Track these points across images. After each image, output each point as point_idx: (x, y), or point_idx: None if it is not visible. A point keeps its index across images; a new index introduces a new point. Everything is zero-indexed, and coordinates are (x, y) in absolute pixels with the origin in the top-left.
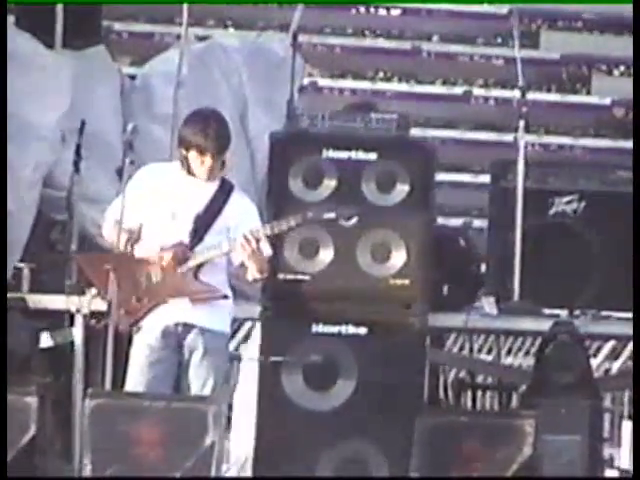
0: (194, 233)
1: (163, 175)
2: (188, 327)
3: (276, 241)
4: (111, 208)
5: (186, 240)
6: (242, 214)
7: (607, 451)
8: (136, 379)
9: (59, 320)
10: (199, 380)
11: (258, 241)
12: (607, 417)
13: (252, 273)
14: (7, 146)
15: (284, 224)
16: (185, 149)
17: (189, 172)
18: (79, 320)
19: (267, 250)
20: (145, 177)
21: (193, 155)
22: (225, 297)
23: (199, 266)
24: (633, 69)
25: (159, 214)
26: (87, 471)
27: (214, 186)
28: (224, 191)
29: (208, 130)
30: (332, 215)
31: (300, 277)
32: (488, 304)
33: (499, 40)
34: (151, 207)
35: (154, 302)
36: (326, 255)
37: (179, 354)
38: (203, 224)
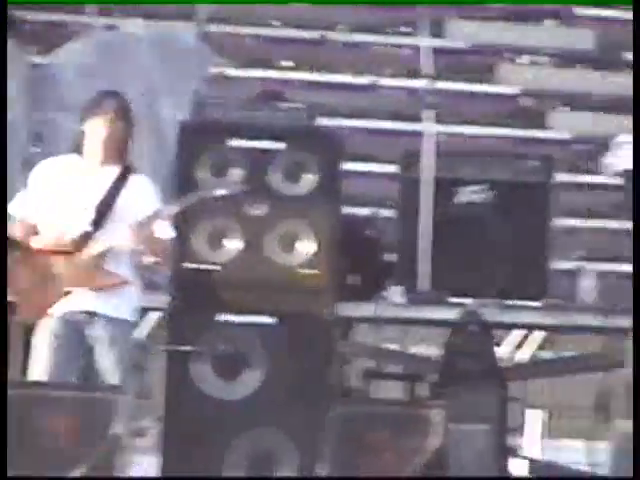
0: (95, 221)
1: (62, 166)
2: (92, 315)
3: (184, 231)
4: (14, 201)
5: (88, 228)
6: (140, 197)
7: (513, 440)
8: (40, 367)
9: None
10: (104, 368)
11: (154, 223)
12: (512, 406)
13: (147, 256)
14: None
15: (179, 205)
16: (81, 120)
17: (87, 154)
18: None
19: (166, 233)
20: (44, 169)
21: (89, 127)
22: (128, 284)
23: (102, 254)
24: (633, 69)
25: (60, 204)
26: None
27: (114, 173)
28: (123, 176)
29: (104, 99)
30: (224, 191)
31: (208, 267)
32: (396, 293)
33: (407, 29)
34: (51, 198)
35: (58, 292)
36: (234, 245)
37: (83, 342)
38: (103, 211)
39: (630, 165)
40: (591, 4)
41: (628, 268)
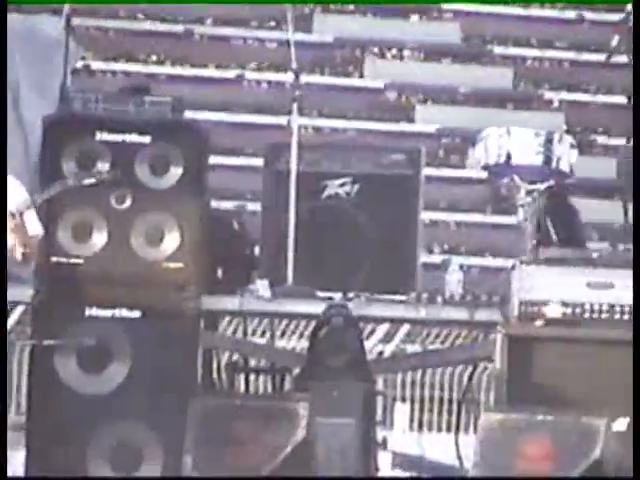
0: None
1: None
2: None
3: (49, 224)
4: None
5: None
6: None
7: (380, 433)
8: None
9: None
10: None
11: (22, 215)
12: (380, 400)
13: (18, 250)
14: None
15: (45, 194)
16: None
17: None
18: None
19: (35, 229)
20: None
21: None
22: None
23: None
24: (633, 69)
25: None
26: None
27: None
28: None
29: None
30: (92, 180)
31: (73, 260)
32: (262, 287)
33: (272, 23)
34: None
35: None
36: (100, 238)
37: None
38: None
39: (495, 159)
40: (590, 4)
41: (493, 262)
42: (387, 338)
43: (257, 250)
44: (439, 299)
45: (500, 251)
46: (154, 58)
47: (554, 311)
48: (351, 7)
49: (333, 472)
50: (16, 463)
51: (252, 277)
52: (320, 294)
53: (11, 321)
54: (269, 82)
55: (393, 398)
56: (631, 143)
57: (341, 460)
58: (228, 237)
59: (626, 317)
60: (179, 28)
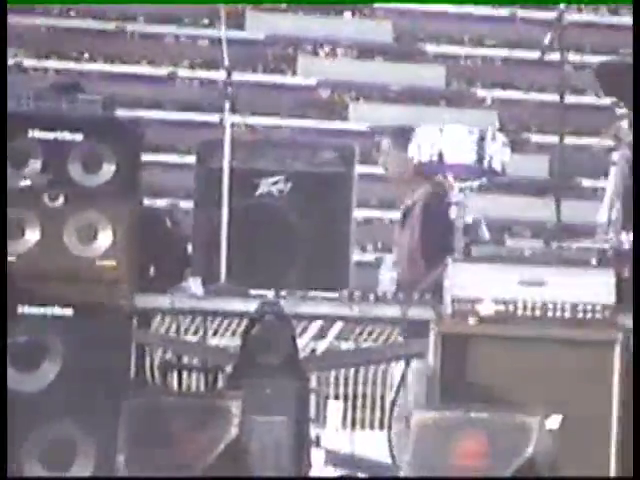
0: None
1: None
2: None
3: None
4: None
5: None
6: None
7: (313, 431)
8: None
9: None
10: None
11: None
12: (313, 397)
13: None
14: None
15: None
16: None
17: None
18: None
19: None
20: None
21: None
22: None
23: None
24: (633, 68)
25: None
26: None
27: None
28: None
29: None
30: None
31: (5, 257)
32: (194, 285)
33: (205, 21)
34: None
35: None
36: (32, 236)
37: None
38: None
39: (428, 157)
40: (590, 4)
41: None
42: (320, 336)
43: (190, 248)
44: (372, 297)
45: None
46: (86, 55)
47: (487, 309)
48: (283, 5)
49: (266, 470)
50: None
51: (185, 275)
52: (253, 292)
53: None
54: (201, 80)
55: (326, 396)
56: (564, 141)
57: (274, 458)
58: (161, 235)
59: (558, 314)
60: (111, 25)
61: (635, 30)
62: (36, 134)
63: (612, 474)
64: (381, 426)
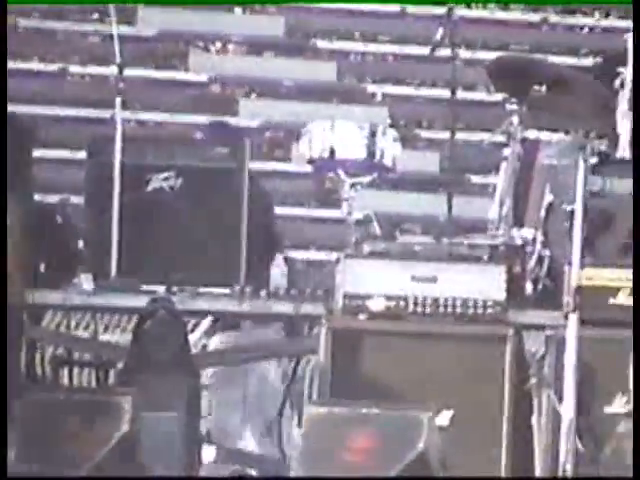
0: None
1: None
2: None
3: None
4: None
5: None
6: None
7: (204, 427)
8: None
9: None
10: None
11: None
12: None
13: None
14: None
15: None
16: None
17: None
18: None
19: None
20: None
21: None
22: None
23: None
24: (633, 68)
25: None
26: None
27: None
28: None
29: None
30: None
31: None
32: (85, 281)
33: (96, 16)
34: None
35: None
36: None
37: None
38: None
39: (319, 153)
40: (589, 3)
41: (317, 255)
42: (211, 332)
43: (81, 244)
44: (263, 293)
45: (325, 245)
46: None
47: (378, 305)
48: (176, 1)
49: (158, 466)
50: None
51: (76, 271)
52: (144, 288)
53: None
54: (93, 76)
55: (217, 391)
56: (455, 137)
57: (166, 454)
58: (52, 231)
59: (450, 310)
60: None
61: (635, 30)
62: None
63: (503, 470)
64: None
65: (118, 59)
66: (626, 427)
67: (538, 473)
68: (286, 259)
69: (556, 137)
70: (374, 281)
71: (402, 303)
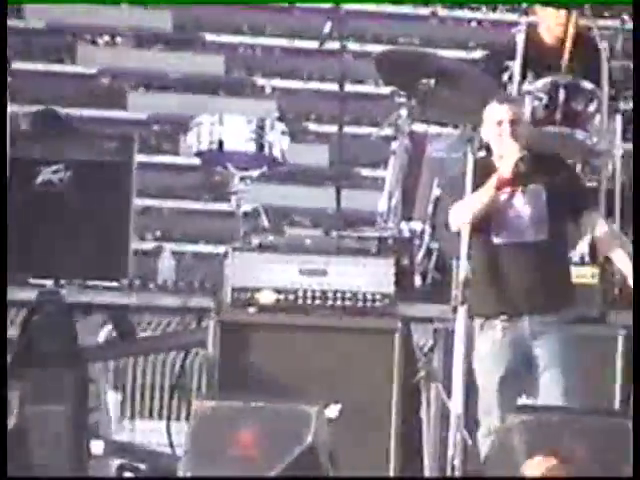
0: None
1: None
2: None
3: None
4: None
5: None
6: None
7: (92, 420)
8: None
9: None
10: None
11: None
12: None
13: None
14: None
15: None
16: None
17: None
18: None
19: None
20: None
21: None
22: None
23: None
24: (633, 68)
25: None
26: None
27: None
28: None
29: None
30: None
31: None
32: None
33: None
34: None
35: None
36: None
37: None
38: None
39: (208, 146)
40: (589, 4)
41: (206, 248)
42: (100, 325)
43: None
44: (152, 286)
45: (213, 238)
46: None
47: (267, 298)
48: None
49: (46, 460)
50: None
51: None
52: (32, 281)
53: None
54: None
55: (105, 385)
56: (344, 130)
57: (54, 448)
58: None
59: (339, 303)
60: None
61: (635, 30)
62: None
63: (392, 463)
64: (160, 416)
65: (7, 52)
66: (512, 422)
67: (427, 466)
68: (174, 252)
69: (445, 131)
70: (263, 274)
71: (291, 296)
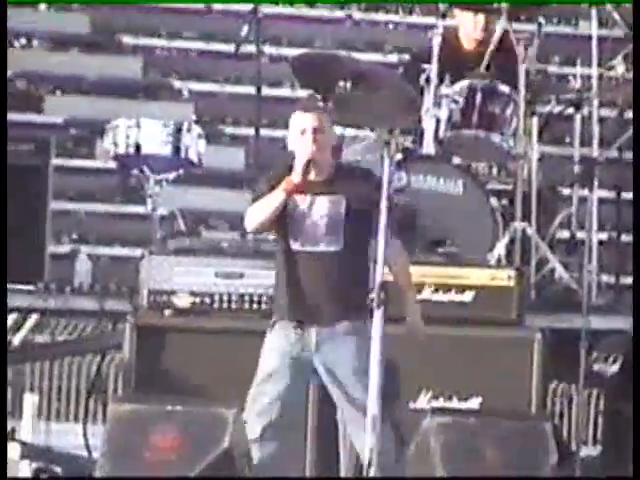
0: None
1: None
2: None
3: None
4: None
5: None
6: None
7: (9, 424)
8: None
9: None
10: None
11: None
12: (9, 390)
13: None
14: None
15: None
16: None
17: None
18: None
19: None
20: None
21: None
22: None
23: None
24: (633, 68)
25: None
26: None
27: None
28: None
29: None
30: None
31: None
32: None
33: None
34: None
35: None
36: None
37: None
38: None
39: (125, 150)
40: (588, 3)
41: (122, 251)
42: (15, 328)
43: None
44: (68, 289)
45: (130, 241)
46: None
47: (183, 301)
48: None
49: None
50: None
51: None
52: None
53: None
54: None
55: (22, 388)
56: (260, 133)
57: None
58: None
59: (255, 306)
60: None
61: (635, 30)
62: None
63: (307, 465)
64: (76, 419)
65: None
66: (430, 424)
67: (343, 469)
68: (90, 255)
69: (361, 133)
70: (179, 277)
71: (207, 299)
